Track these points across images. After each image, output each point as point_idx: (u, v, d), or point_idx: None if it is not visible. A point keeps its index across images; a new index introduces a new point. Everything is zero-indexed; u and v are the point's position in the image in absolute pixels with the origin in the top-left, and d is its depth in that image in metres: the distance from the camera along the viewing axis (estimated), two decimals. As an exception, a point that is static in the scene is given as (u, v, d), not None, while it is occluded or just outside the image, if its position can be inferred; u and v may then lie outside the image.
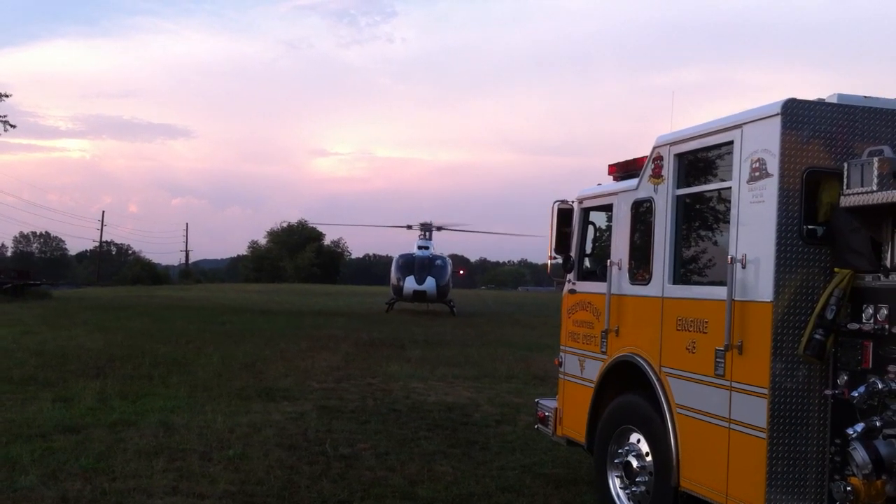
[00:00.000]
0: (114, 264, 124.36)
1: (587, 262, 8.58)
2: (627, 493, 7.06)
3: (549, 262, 8.97)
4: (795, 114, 5.47)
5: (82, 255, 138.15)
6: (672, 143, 6.64)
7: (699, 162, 6.53)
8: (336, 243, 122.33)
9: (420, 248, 43.55)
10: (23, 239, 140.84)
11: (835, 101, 5.65)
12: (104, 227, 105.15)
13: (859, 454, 4.79)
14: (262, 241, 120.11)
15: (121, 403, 12.18)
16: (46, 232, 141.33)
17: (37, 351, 18.62)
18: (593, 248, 8.58)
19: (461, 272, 67.81)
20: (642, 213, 7.14)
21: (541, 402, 9.17)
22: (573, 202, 8.62)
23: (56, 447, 9.33)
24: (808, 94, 5.71)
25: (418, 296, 40.21)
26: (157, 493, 7.79)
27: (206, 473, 8.48)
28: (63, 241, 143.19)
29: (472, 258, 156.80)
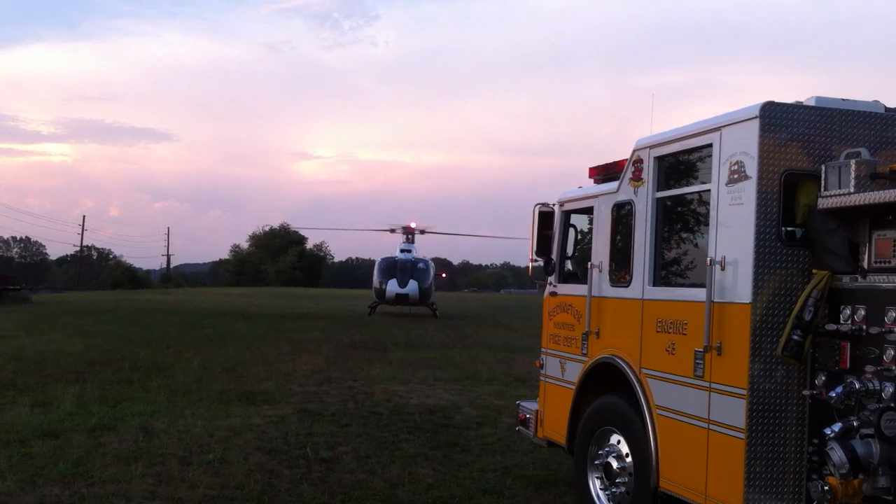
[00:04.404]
0: (94, 269, 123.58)
1: (568, 265, 8.60)
2: (607, 494, 7.08)
3: (530, 264, 8.98)
4: (774, 116, 5.50)
5: (62, 260, 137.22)
6: (652, 146, 6.67)
7: (679, 164, 6.56)
8: (318, 247, 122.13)
9: (402, 251, 43.54)
10: (2, 244, 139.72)
11: (813, 103, 5.69)
12: (85, 232, 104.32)
13: (836, 454, 4.81)
14: (244, 244, 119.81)
15: (100, 408, 12.10)
16: (26, 237, 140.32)
17: (15, 356, 18.49)
18: (574, 251, 8.60)
19: (443, 275, 67.87)
20: (623, 216, 7.17)
21: (522, 404, 9.18)
22: (554, 205, 8.64)
23: (34, 452, 9.26)
24: (789, 96, 5.75)
25: (401, 299, 40.21)
26: (135, 497, 7.74)
27: (186, 478, 8.43)
28: (43, 246, 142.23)
29: (455, 261, 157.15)
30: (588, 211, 7.99)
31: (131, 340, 22.77)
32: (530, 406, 8.87)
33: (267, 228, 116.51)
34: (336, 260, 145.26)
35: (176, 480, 8.33)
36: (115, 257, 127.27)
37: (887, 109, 5.89)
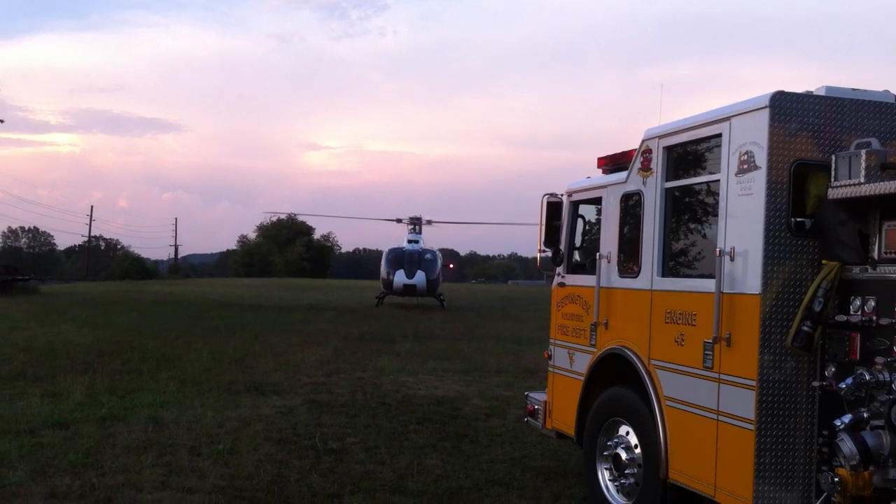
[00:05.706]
0: (102, 259, 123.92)
1: (576, 256, 8.59)
2: (616, 486, 7.08)
3: (538, 255, 8.97)
4: (783, 106, 5.47)
5: (71, 251, 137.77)
6: (661, 136, 6.64)
7: (688, 155, 6.53)
8: (326, 237, 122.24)
9: (410, 241, 43.53)
10: (11, 234, 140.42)
11: (823, 93, 5.65)
12: (93, 222, 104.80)
13: (847, 445, 4.80)
14: (252, 235, 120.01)
15: (110, 399, 12.15)
16: (35, 227, 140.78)
17: (25, 346, 18.55)
18: (582, 242, 8.58)
19: (451, 266, 67.74)
20: (631, 206, 7.15)
21: (530, 395, 9.18)
22: (562, 195, 8.62)
23: (45, 443, 9.30)
24: (800, 87, 5.70)
25: (408, 290, 40.24)
26: (146, 487, 7.77)
27: (196, 468, 8.47)
28: (52, 237, 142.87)
29: (462, 252, 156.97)
30: (597, 201, 7.97)
31: (140, 331, 22.84)
32: (539, 397, 8.87)
33: (275, 219, 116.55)
34: (344, 251, 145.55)
35: (186, 471, 8.36)
36: (123, 248, 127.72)
37: (898, 99, 5.85)
